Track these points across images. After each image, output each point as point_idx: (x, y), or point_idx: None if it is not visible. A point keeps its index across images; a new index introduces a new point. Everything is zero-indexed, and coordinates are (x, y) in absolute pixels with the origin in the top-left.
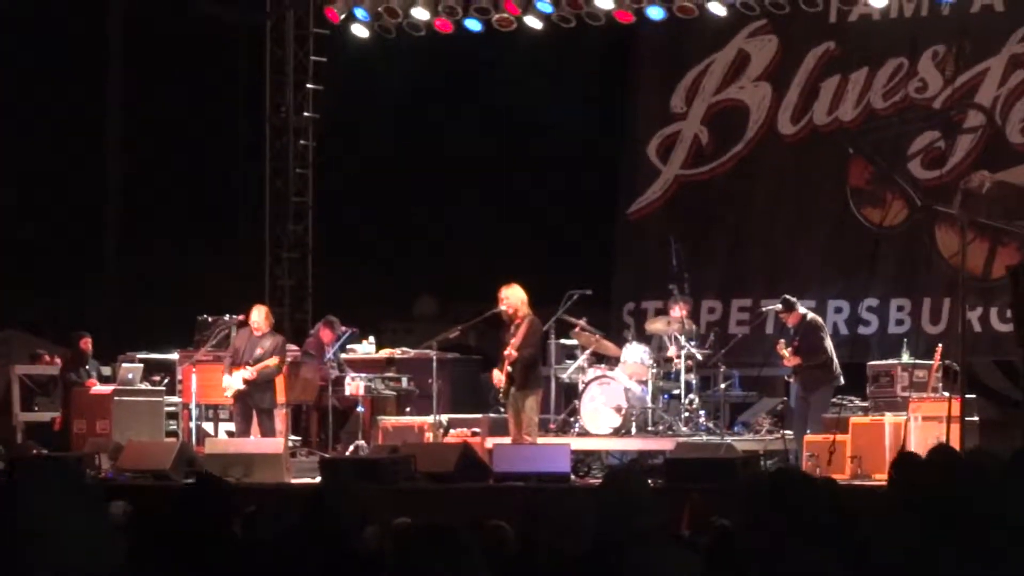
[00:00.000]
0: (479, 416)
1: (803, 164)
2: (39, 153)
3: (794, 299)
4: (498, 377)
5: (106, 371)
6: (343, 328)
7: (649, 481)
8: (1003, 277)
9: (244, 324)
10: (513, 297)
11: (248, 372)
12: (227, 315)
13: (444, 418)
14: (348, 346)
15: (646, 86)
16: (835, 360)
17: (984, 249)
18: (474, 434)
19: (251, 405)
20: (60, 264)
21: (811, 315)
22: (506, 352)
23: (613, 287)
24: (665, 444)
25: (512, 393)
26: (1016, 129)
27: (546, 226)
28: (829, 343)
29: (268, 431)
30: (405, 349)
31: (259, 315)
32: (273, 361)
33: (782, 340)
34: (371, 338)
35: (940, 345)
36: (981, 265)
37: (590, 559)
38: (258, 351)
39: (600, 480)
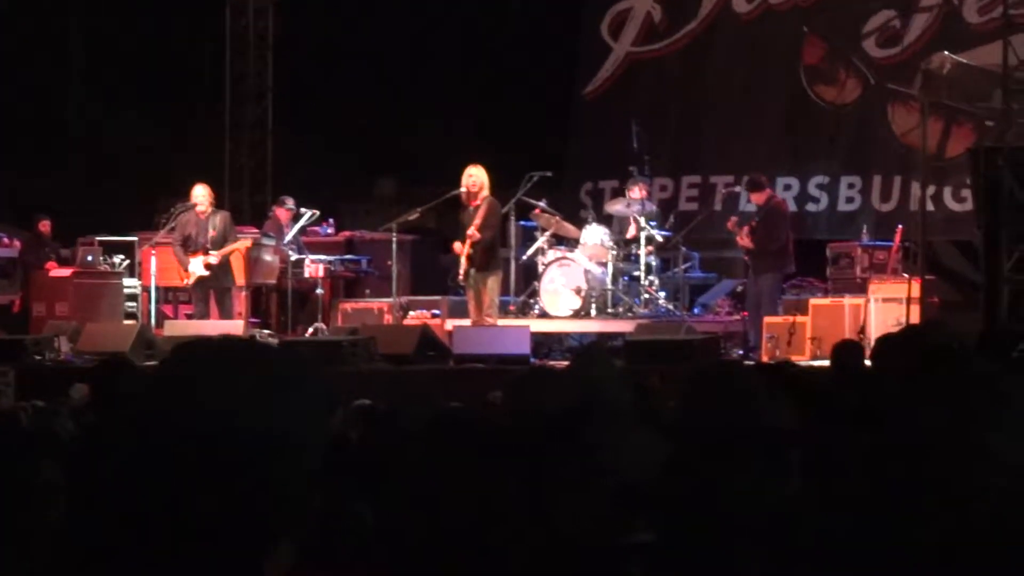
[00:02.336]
0: (439, 298)
1: (757, 42)
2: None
3: (764, 178)
4: (459, 247)
5: (66, 254)
6: (303, 210)
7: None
8: (958, 156)
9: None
10: (480, 175)
11: (212, 257)
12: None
13: (404, 300)
14: (308, 228)
15: None
16: (790, 248)
17: (938, 129)
18: (434, 316)
19: (210, 287)
20: (20, 147)
21: (777, 198)
22: (468, 233)
23: (570, 167)
24: (625, 326)
25: (472, 274)
26: (973, 9)
27: (506, 108)
28: (788, 230)
29: (227, 313)
30: (364, 231)
31: (204, 194)
32: (244, 243)
33: (734, 217)
34: (330, 220)
35: (900, 226)
36: (935, 144)
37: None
38: (211, 232)
39: (567, 361)
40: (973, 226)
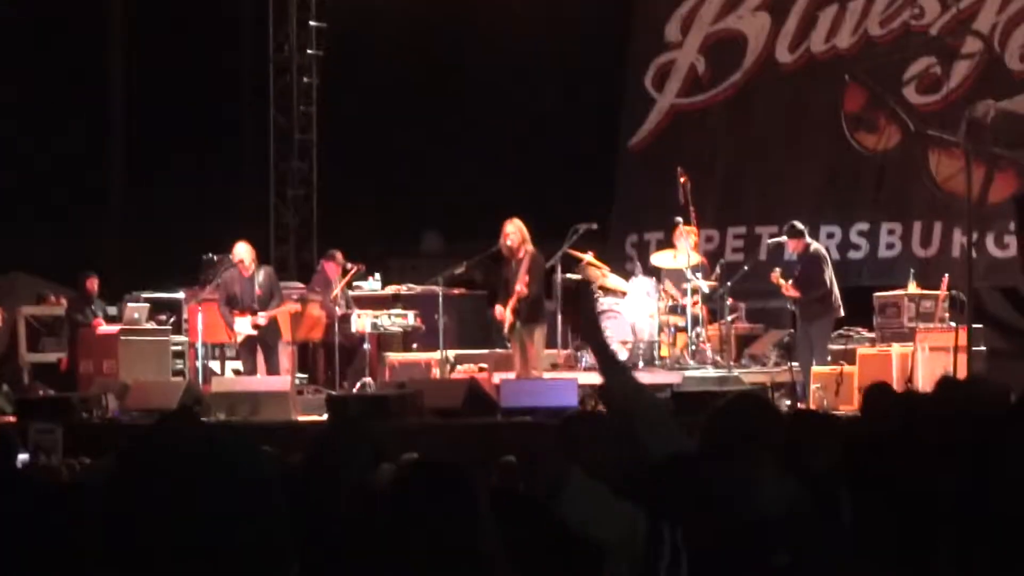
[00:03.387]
0: (486, 352)
1: (799, 92)
2: (42, 92)
3: (802, 227)
4: (500, 312)
5: (112, 311)
6: (349, 264)
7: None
8: (1000, 203)
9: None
10: (516, 231)
11: (260, 318)
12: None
13: (451, 354)
14: (354, 283)
15: (642, 17)
16: (835, 292)
17: (981, 175)
18: (481, 369)
19: (256, 343)
20: (65, 205)
21: (815, 245)
22: (517, 288)
23: (615, 219)
24: (672, 378)
25: (518, 328)
26: (1015, 56)
27: (548, 160)
28: (829, 274)
29: (273, 368)
30: (411, 285)
31: (247, 253)
32: (293, 306)
33: (777, 269)
34: (377, 275)
35: (947, 275)
36: (978, 191)
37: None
38: (256, 291)
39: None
40: (1017, 272)
